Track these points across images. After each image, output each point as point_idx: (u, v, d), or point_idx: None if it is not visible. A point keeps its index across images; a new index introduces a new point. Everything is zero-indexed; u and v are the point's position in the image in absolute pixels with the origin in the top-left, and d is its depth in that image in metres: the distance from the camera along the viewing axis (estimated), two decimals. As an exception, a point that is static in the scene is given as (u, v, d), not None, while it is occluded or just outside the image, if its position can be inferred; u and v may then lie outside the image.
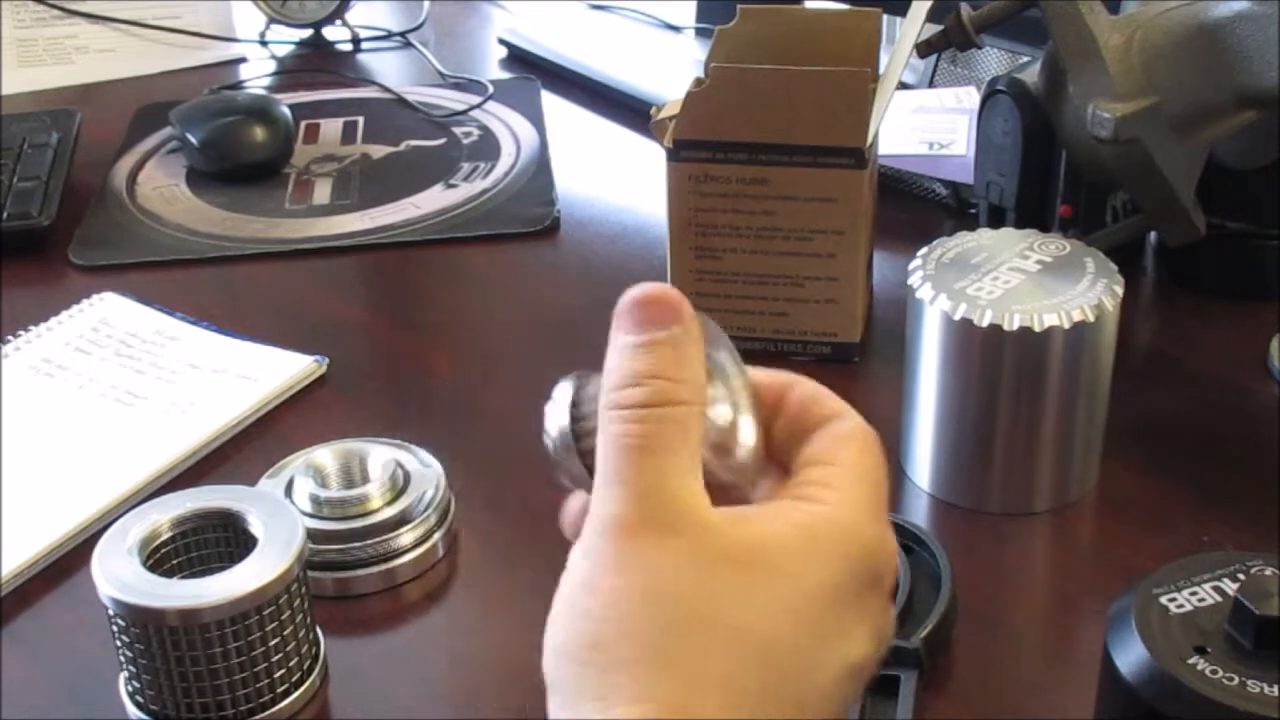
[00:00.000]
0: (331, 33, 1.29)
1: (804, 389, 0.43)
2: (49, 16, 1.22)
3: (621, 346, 0.41)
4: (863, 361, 0.78)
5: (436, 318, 0.86)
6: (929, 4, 0.73)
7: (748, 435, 0.42)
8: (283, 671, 0.55)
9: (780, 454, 0.43)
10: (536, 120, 1.10)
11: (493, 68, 1.23)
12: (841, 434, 0.43)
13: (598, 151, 1.08)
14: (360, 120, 1.11)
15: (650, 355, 0.40)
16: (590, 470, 0.40)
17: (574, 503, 0.44)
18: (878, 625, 0.41)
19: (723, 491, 0.40)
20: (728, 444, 0.42)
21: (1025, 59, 0.95)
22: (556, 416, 0.42)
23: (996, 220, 0.80)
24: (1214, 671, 0.44)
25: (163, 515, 0.56)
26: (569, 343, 0.82)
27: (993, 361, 0.63)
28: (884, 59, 0.77)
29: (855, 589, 0.40)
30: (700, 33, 1.22)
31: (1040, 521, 0.66)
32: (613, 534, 0.38)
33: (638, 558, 0.38)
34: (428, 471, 0.65)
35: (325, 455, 0.66)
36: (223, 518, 0.57)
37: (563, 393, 0.42)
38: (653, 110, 0.77)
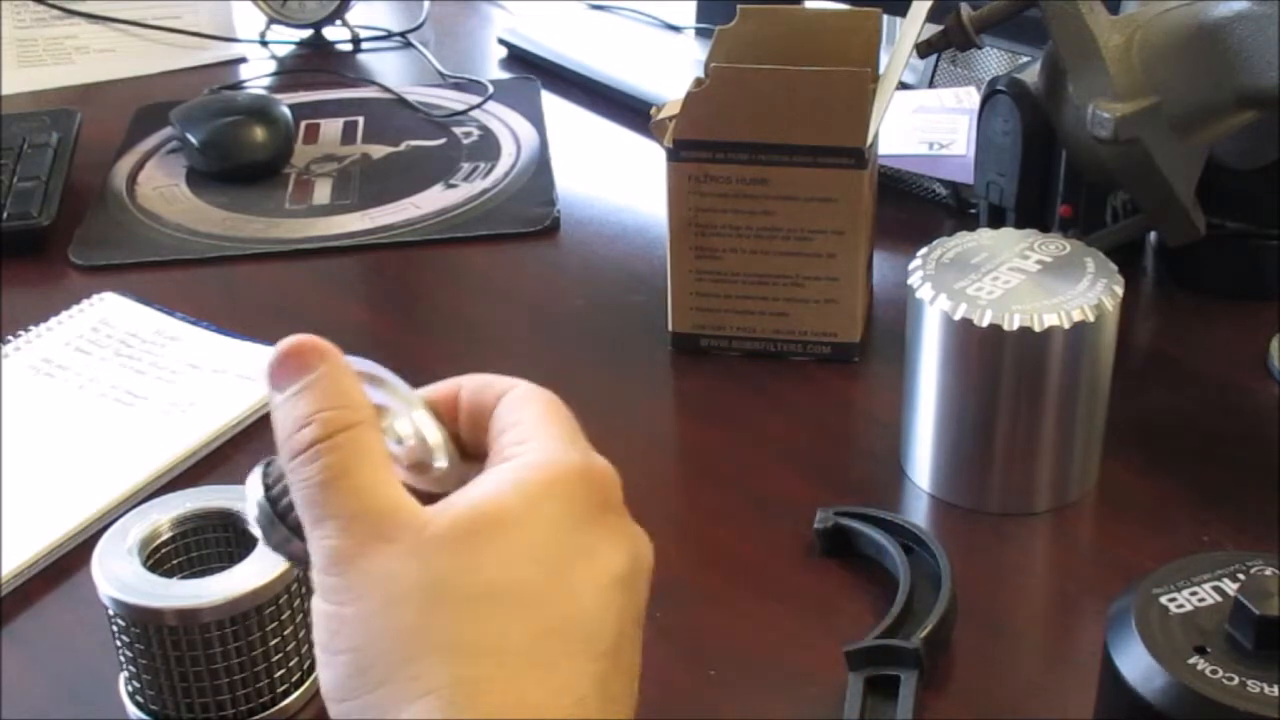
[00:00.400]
0: (331, 33, 1.29)
1: (472, 382, 0.45)
2: (49, 16, 1.22)
3: (278, 404, 0.42)
4: (863, 361, 0.78)
5: (436, 318, 0.86)
6: (929, 4, 0.73)
7: (435, 441, 0.43)
8: (282, 671, 0.55)
9: (472, 447, 0.44)
10: (536, 120, 1.10)
11: (493, 68, 1.23)
12: (518, 397, 0.44)
13: (598, 151, 1.08)
14: (360, 120, 1.11)
15: (305, 398, 0.42)
16: (300, 535, 0.41)
17: None
18: (625, 538, 0.41)
19: (435, 500, 0.41)
20: (422, 459, 0.43)
21: (1025, 59, 0.95)
22: (252, 494, 0.43)
23: (996, 220, 0.81)
24: (1214, 671, 0.44)
25: (163, 515, 0.56)
26: (569, 343, 0.82)
27: (993, 361, 0.63)
28: (884, 59, 0.77)
29: (582, 513, 0.40)
30: (700, 33, 1.22)
31: (1040, 521, 0.66)
32: (335, 567, 0.39)
33: (366, 577, 0.38)
34: (428, 471, 0.65)
35: (325, 455, 0.65)
36: (223, 518, 0.57)
37: (253, 475, 0.43)
38: (653, 110, 0.77)
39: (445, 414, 0.44)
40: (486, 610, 0.38)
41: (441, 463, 0.43)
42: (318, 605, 0.39)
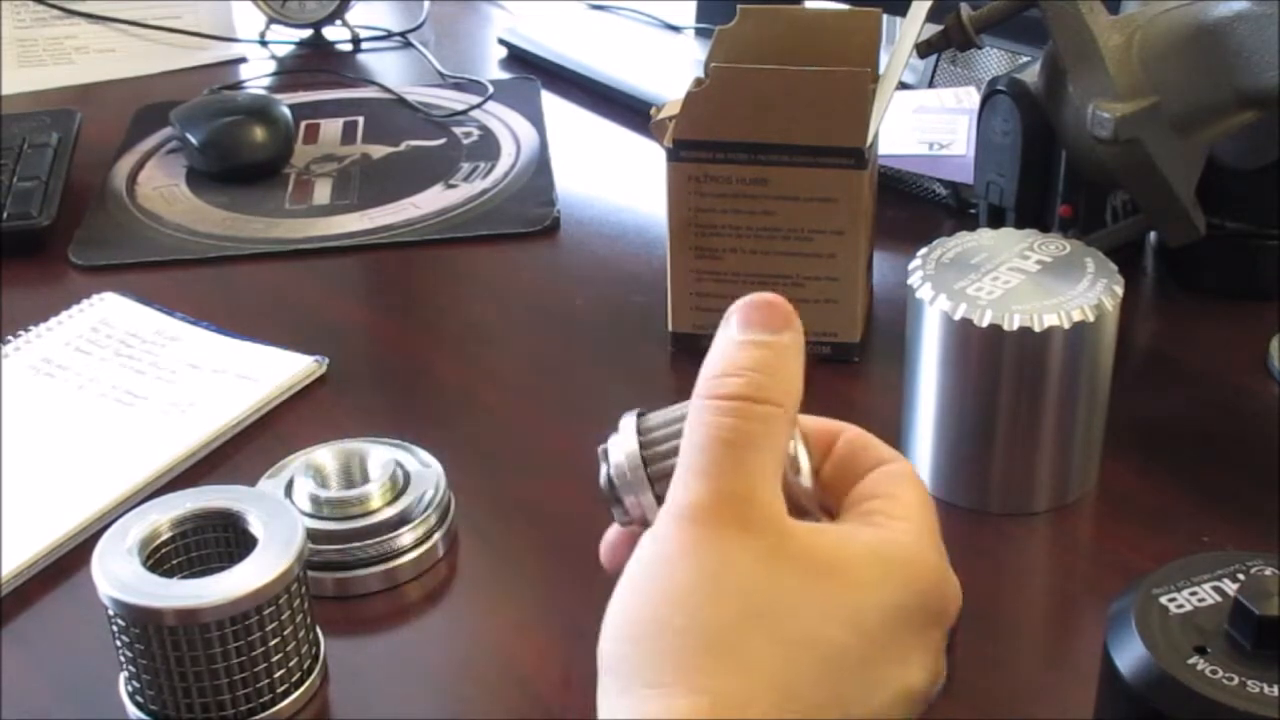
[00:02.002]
0: (331, 33, 1.29)
1: (854, 433, 0.44)
2: (49, 16, 1.22)
3: (726, 340, 0.41)
4: (863, 361, 0.78)
5: (436, 318, 0.86)
6: (929, 4, 0.73)
7: (805, 460, 0.43)
8: (283, 671, 0.55)
9: (830, 495, 0.43)
10: (536, 120, 1.10)
11: (493, 68, 1.23)
12: (896, 473, 0.43)
13: (598, 151, 1.08)
14: (360, 120, 1.11)
15: (753, 352, 0.40)
16: (660, 499, 0.41)
17: (614, 533, 0.44)
18: (936, 660, 0.40)
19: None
20: (794, 464, 0.42)
21: (1025, 59, 0.95)
22: (624, 445, 0.42)
23: (996, 220, 0.81)
24: (1214, 671, 0.44)
25: (163, 515, 0.56)
26: (569, 343, 0.82)
27: (993, 361, 0.63)
28: (884, 59, 0.77)
29: (920, 617, 0.39)
30: (700, 33, 1.22)
31: (1040, 521, 0.66)
32: (689, 521, 0.38)
33: (712, 546, 0.37)
34: (428, 471, 0.65)
35: (325, 455, 0.66)
36: (223, 518, 0.57)
37: (628, 424, 0.43)
38: (653, 110, 0.77)
39: (815, 449, 0.43)
40: (798, 654, 0.37)
41: (806, 483, 0.43)
42: (647, 545, 0.38)
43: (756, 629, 0.37)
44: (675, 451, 0.41)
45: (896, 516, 0.41)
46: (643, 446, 0.42)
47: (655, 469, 0.42)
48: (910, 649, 0.39)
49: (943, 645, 0.41)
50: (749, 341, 0.40)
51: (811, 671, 0.37)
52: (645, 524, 0.41)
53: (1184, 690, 0.43)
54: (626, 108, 1.10)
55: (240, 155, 1.02)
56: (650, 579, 0.38)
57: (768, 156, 0.73)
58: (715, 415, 0.39)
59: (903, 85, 1.04)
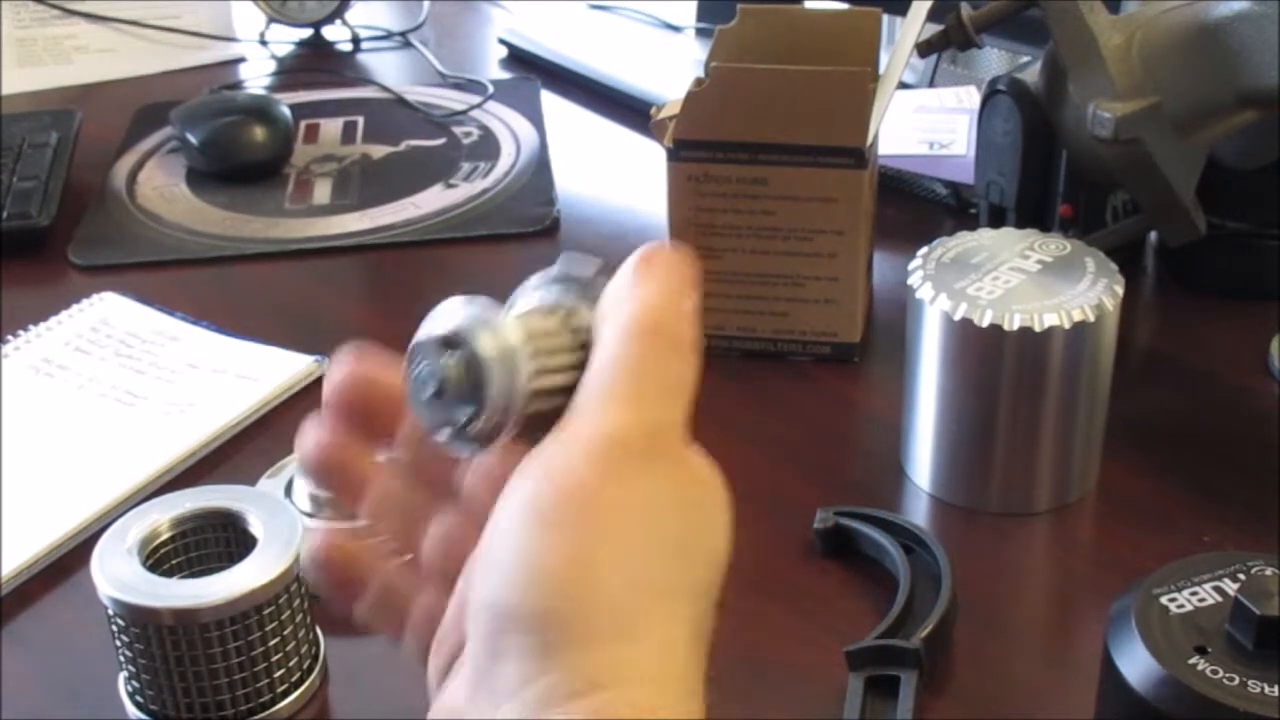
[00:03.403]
0: (331, 32, 1.29)
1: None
2: (49, 16, 1.22)
3: (661, 285, 0.40)
4: (863, 361, 0.78)
5: (436, 318, 0.86)
6: (929, 4, 0.73)
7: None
8: (282, 671, 0.55)
9: None
10: (536, 120, 1.10)
11: (493, 68, 1.23)
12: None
13: (598, 151, 1.08)
14: (360, 120, 1.11)
15: (682, 302, 0.40)
16: (532, 419, 0.37)
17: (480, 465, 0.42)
18: None
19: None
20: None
21: (1025, 59, 0.95)
22: (499, 339, 0.37)
23: (996, 220, 0.81)
24: (1214, 671, 0.44)
25: (162, 515, 0.56)
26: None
27: (993, 361, 0.63)
28: (884, 59, 0.77)
29: None
30: (700, 33, 1.22)
31: (1040, 521, 0.66)
32: (618, 453, 0.36)
33: (645, 488, 0.36)
34: (428, 471, 0.65)
35: (325, 455, 0.65)
36: (223, 518, 0.57)
37: (490, 310, 0.38)
38: (653, 110, 0.77)
39: None
40: (703, 587, 0.37)
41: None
42: (552, 471, 0.36)
43: (682, 571, 0.36)
44: (561, 351, 0.38)
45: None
46: (532, 353, 0.37)
47: (539, 384, 0.37)
48: None
49: None
50: (680, 294, 0.40)
51: (709, 602, 0.37)
52: (486, 436, 0.37)
53: (1184, 690, 0.43)
54: (626, 108, 1.10)
55: (240, 155, 1.02)
56: (575, 521, 0.35)
57: (768, 156, 0.73)
58: (661, 352, 0.38)
59: (903, 85, 1.04)
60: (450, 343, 0.37)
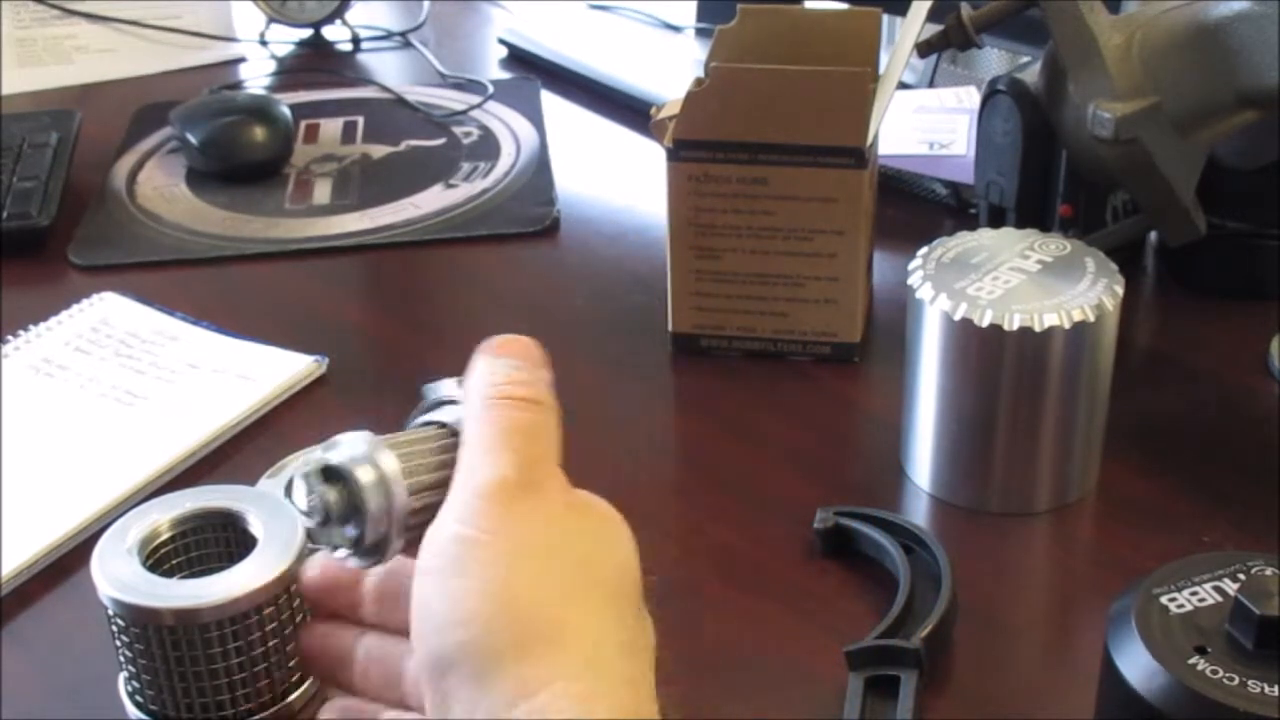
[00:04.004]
0: (331, 33, 1.29)
1: None
2: (49, 16, 1.22)
3: (497, 360, 0.45)
4: (863, 361, 0.78)
5: (436, 318, 0.86)
6: (929, 4, 0.73)
7: None
8: (282, 671, 0.55)
9: None
10: (536, 120, 1.10)
11: (493, 68, 1.23)
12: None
13: (598, 151, 1.08)
14: (360, 120, 1.11)
15: (527, 371, 0.45)
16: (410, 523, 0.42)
17: (333, 573, 0.49)
18: None
19: None
20: None
21: (1025, 59, 0.95)
22: (381, 464, 0.43)
23: (996, 220, 0.81)
24: (1214, 671, 0.44)
25: (162, 515, 0.56)
26: (569, 343, 0.81)
27: (993, 361, 0.63)
28: (884, 59, 0.77)
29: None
30: (700, 33, 1.22)
31: (1040, 521, 0.66)
32: (498, 494, 0.41)
33: (528, 514, 0.41)
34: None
35: (325, 455, 0.65)
36: (223, 518, 0.57)
37: (365, 443, 0.43)
38: (653, 110, 0.77)
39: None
40: (615, 580, 0.42)
41: None
42: (455, 530, 0.40)
43: (587, 575, 0.41)
44: (429, 468, 0.43)
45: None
46: (400, 460, 0.43)
47: (414, 482, 0.43)
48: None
49: None
50: (518, 364, 0.45)
51: (627, 603, 0.41)
52: (376, 551, 0.43)
53: (1184, 690, 0.43)
54: (626, 108, 1.10)
55: (240, 155, 1.02)
56: (473, 557, 0.40)
57: (768, 156, 0.73)
58: (508, 410, 0.43)
59: (903, 85, 1.04)
60: (330, 475, 0.43)
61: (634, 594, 0.42)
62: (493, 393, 0.44)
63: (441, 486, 0.43)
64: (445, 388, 0.46)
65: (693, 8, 1.24)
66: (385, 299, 0.90)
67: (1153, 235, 0.86)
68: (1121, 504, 0.66)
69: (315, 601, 0.50)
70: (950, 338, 0.63)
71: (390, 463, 0.42)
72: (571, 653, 0.38)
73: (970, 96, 1.04)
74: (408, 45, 1.28)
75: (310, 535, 0.43)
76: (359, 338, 0.84)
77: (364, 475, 0.42)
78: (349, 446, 0.43)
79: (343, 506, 0.42)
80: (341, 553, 0.43)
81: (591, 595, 0.40)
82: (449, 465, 0.43)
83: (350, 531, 0.43)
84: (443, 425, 0.45)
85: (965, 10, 0.73)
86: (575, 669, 0.38)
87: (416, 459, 0.43)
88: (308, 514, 0.43)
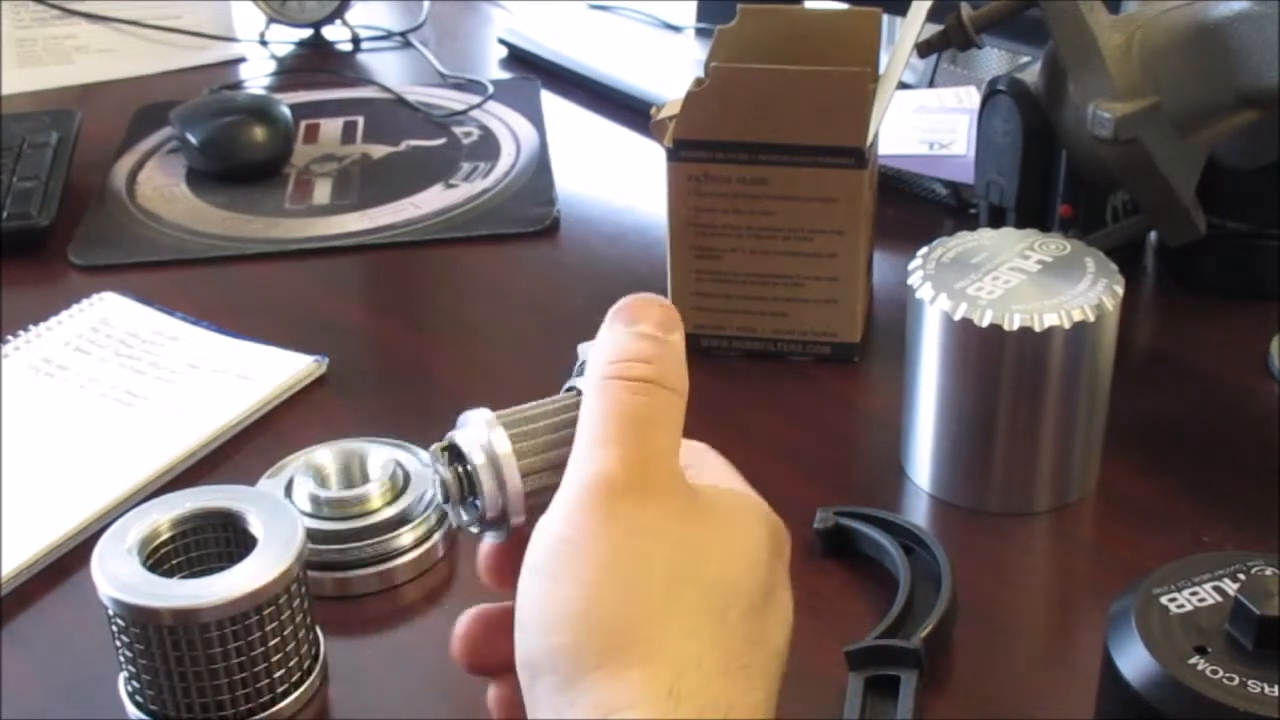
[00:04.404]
0: (331, 33, 1.29)
1: None
2: (49, 16, 1.22)
3: (623, 331, 0.42)
4: (863, 361, 0.78)
5: (436, 318, 0.86)
6: (929, 4, 0.73)
7: None
8: (282, 671, 0.55)
9: None
10: (536, 120, 1.10)
11: (493, 68, 1.23)
12: (693, 446, 0.45)
13: (598, 151, 1.08)
14: (360, 120, 1.11)
15: (651, 344, 0.42)
16: (530, 497, 0.42)
17: (491, 549, 0.45)
18: (790, 590, 0.43)
19: None
20: None
21: (1025, 59, 0.95)
22: (492, 441, 0.42)
23: (996, 220, 0.81)
24: (1214, 671, 0.44)
25: (162, 515, 0.56)
26: (569, 343, 0.81)
27: (993, 361, 0.63)
28: (884, 59, 0.77)
29: (777, 548, 0.42)
30: (700, 33, 1.22)
31: (1040, 521, 0.66)
32: (602, 493, 0.38)
33: (629, 515, 0.38)
34: (427, 471, 0.65)
35: (325, 455, 0.66)
36: (223, 518, 0.57)
37: (482, 420, 0.43)
38: (653, 110, 0.77)
39: None
40: (721, 601, 0.38)
41: None
42: (557, 528, 0.38)
43: (686, 588, 0.38)
44: (545, 446, 0.42)
45: (722, 473, 0.44)
46: (513, 440, 0.42)
47: (526, 463, 0.42)
48: (781, 576, 0.42)
49: (787, 571, 0.43)
50: (646, 335, 0.42)
51: (736, 614, 0.39)
52: (500, 525, 0.42)
53: (1184, 690, 0.43)
54: (626, 108, 1.10)
55: (240, 155, 1.02)
56: (570, 562, 0.38)
57: (768, 156, 0.73)
58: (622, 393, 0.40)
59: (903, 85, 1.04)
60: (452, 454, 0.43)
61: (747, 598, 0.39)
62: (609, 371, 0.41)
63: (561, 466, 0.41)
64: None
65: (693, 8, 1.24)
66: (385, 299, 0.90)
67: (1153, 235, 0.86)
68: (1121, 504, 0.66)
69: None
70: (950, 338, 0.63)
71: (503, 444, 0.42)
72: (657, 676, 0.36)
73: (970, 96, 1.04)
74: (408, 45, 1.28)
75: (443, 511, 0.44)
76: (359, 338, 0.84)
77: (476, 457, 0.42)
78: (470, 427, 0.43)
79: (459, 486, 0.42)
80: (471, 527, 0.43)
81: (690, 609, 0.38)
82: (570, 441, 0.42)
83: (472, 509, 0.43)
84: (579, 393, 0.44)
85: (965, 10, 0.73)
86: (656, 695, 0.36)
87: (532, 438, 0.42)
88: (438, 488, 0.43)
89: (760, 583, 0.40)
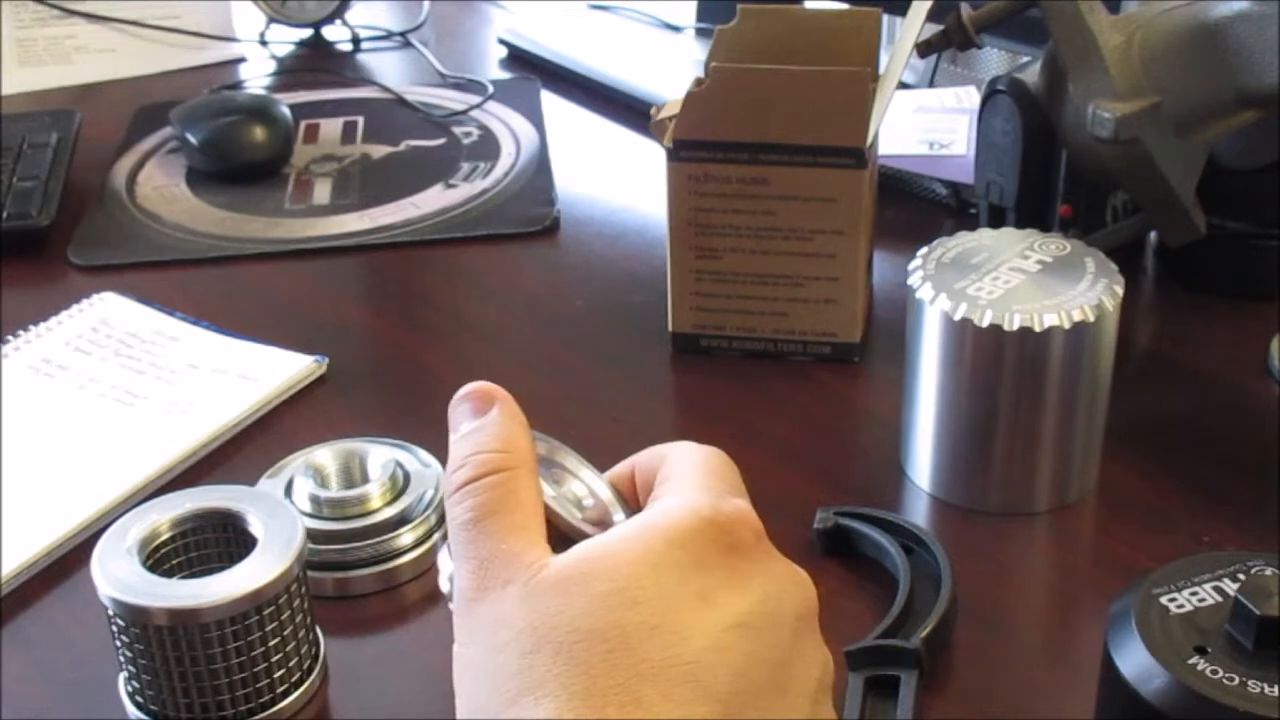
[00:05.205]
0: (331, 33, 1.29)
1: (643, 456, 0.47)
2: (49, 16, 1.22)
3: (451, 443, 0.45)
4: (863, 361, 0.78)
5: (436, 318, 0.86)
6: (929, 4, 0.73)
7: (608, 497, 0.46)
8: (282, 671, 0.55)
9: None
10: (536, 120, 1.10)
11: (493, 68, 1.23)
12: (677, 455, 0.45)
13: (598, 151, 1.08)
14: (360, 120, 1.11)
15: (470, 440, 0.44)
16: None
17: None
18: (753, 580, 0.41)
19: None
20: (603, 517, 0.46)
21: (1025, 59, 0.95)
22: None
23: (996, 220, 0.81)
24: (1214, 671, 0.44)
25: (162, 515, 0.56)
26: (569, 343, 0.82)
27: (993, 361, 0.63)
28: (884, 59, 0.77)
29: (700, 558, 0.41)
30: (700, 33, 1.22)
31: (1040, 521, 0.66)
32: (460, 607, 0.41)
33: (481, 620, 0.40)
34: (428, 471, 0.65)
35: (325, 455, 0.66)
36: (222, 518, 0.57)
37: None
38: (653, 110, 0.77)
39: (626, 491, 0.47)
40: (580, 653, 0.38)
41: (620, 515, 0.45)
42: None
43: (534, 660, 0.38)
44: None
45: (664, 495, 0.43)
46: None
47: None
48: (707, 586, 0.40)
49: (748, 561, 0.42)
50: (462, 435, 0.44)
51: (606, 663, 0.38)
52: None
53: (1184, 690, 0.43)
54: (626, 108, 1.10)
55: (240, 155, 1.02)
56: (457, 679, 0.41)
57: (768, 156, 0.73)
58: (453, 507, 0.43)
59: (903, 85, 1.04)
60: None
61: (616, 638, 0.38)
62: (445, 489, 0.44)
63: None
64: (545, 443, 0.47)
65: (693, 8, 1.24)
66: (385, 299, 0.90)
67: (1153, 235, 0.86)
68: (1121, 504, 0.66)
69: None
70: (950, 338, 0.63)
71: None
72: None
73: (970, 96, 1.04)
74: (408, 45, 1.28)
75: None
76: (359, 338, 0.84)
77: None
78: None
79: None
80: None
81: (544, 677, 0.38)
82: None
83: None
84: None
85: (965, 10, 0.73)
86: None
87: None
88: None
89: (648, 610, 0.39)
